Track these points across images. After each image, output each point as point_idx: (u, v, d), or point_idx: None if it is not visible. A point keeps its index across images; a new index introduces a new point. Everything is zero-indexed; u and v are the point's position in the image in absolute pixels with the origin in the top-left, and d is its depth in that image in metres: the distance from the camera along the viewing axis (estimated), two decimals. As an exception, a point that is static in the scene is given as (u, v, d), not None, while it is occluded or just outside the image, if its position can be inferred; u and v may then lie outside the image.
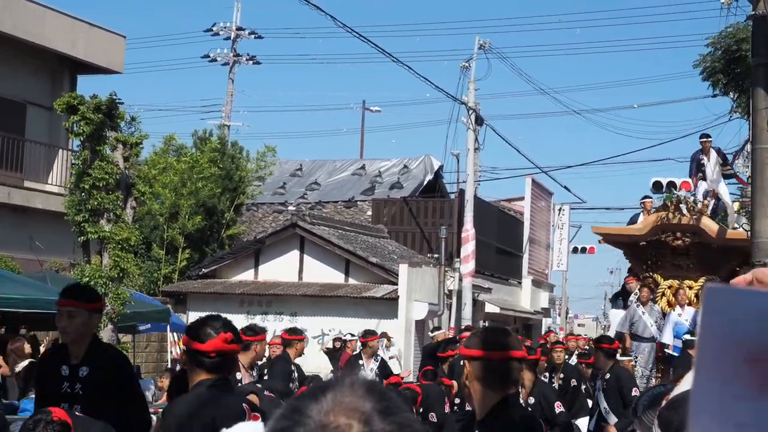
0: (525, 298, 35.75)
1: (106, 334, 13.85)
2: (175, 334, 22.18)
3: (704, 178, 18.60)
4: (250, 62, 40.82)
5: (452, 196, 32.83)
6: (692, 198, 17.79)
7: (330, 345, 22.36)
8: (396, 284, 24.88)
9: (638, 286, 17.95)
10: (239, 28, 40.31)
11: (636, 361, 16.69)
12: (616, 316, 18.73)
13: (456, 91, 28.86)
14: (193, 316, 24.78)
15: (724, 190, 19.20)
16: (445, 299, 27.49)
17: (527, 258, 36.38)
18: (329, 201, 35.02)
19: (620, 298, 19.59)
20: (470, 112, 28.99)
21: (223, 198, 29.55)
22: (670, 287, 17.77)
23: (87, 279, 14.45)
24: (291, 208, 33.13)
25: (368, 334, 15.56)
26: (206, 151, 30.02)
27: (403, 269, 25.04)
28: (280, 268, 26.36)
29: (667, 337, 16.85)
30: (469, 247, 27.38)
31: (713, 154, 18.62)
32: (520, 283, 35.88)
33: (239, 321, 23.91)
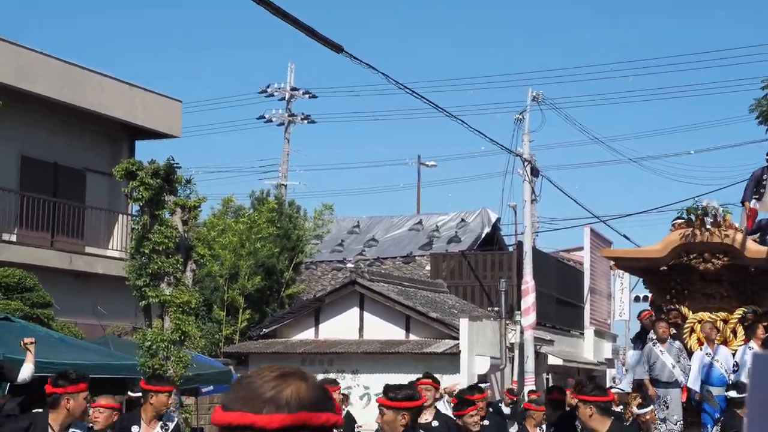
0: (588, 348, 35.36)
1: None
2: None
3: (759, 199, 15.85)
4: (305, 121, 41.12)
5: (510, 249, 32.69)
6: (719, 209, 14.67)
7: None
8: (457, 339, 24.74)
9: (653, 321, 15.20)
10: (293, 89, 40.67)
11: (664, 412, 14.11)
12: (633, 359, 15.96)
13: (511, 143, 28.86)
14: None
15: None
16: (507, 353, 27.28)
17: (589, 308, 36.03)
18: (387, 257, 35.00)
19: (640, 340, 16.31)
20: (525, 163, 28.94)
21: (281, 257, 29.66)
22: (700, 321, 14.74)
23: (149, 343, 14.54)
24: (350, 265, 33.16)
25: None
26: (264, 211, 30.20)
27: (463, 324, 24.91)
28: (341, 326, 26.33)
29: (695, 382, 14.18)
30: (529, 299, 27.20)
31: None
32: (582, 333, 35.52)
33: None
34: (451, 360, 24.47)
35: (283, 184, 39.10)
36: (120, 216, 25.38)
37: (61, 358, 15.22)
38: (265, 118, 40.95)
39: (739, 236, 14.51)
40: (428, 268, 32.84)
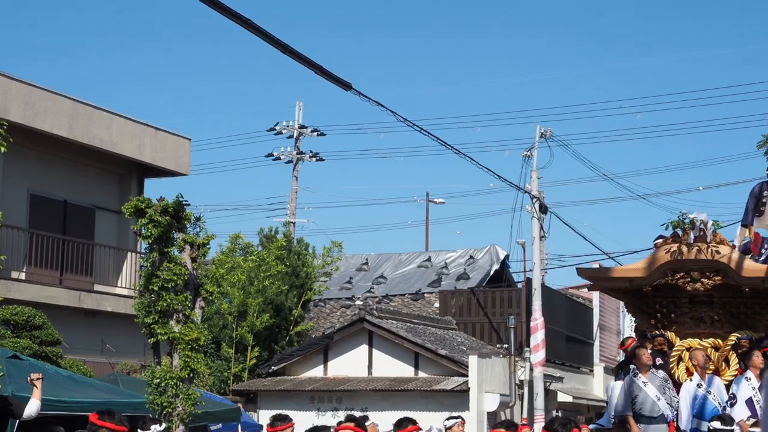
0: (598, 385, 35.20)
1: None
2: (245, 433, 22.10)
3: (759, 216, 14.47)
4: (314, 159, 41.19)
5: (519, 285, 32.64)
6: (709, 223, 13.12)
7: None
8: (466, 376, 24.67)
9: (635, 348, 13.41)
10: (301, 126, 40.78)
11: None
12: (615, 391, 13.72)
13: (519, 180, 28.89)
14: (263, 414, 24.74)
15: None
16: (517, 390, 27.17)
17: (598, 345, 35.92)
18: (396, 294, 34.96)
19: (623, 371, 14.02)
20: (534, 200, 28.95)
21: (290, 295, 29.64)
22: (689, 349, 13.18)
23: (158, 380, 14.51)
24: (358, 302, 33.11)
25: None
26: (273, 249, 30.21)
27: (472, 361, 24.83)
28: (350, 363, 26.28)
29: (684, 419, 12.69)
30: (538, 336, 27.13)
31: None
32: (591, 370, 35.38)
33: (309, 418, 23.93)
34: (460, 397, 24.40)
35: (291, 222, 39.12)
36: (129, 253, 25.42)
37: (70, 395, 15.20)
38: (273, 155, 41.03)
39: (733, 253, 13.05)
40: (437, 305, 32.79)
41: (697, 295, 13.19)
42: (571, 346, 33.28)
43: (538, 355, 27.10)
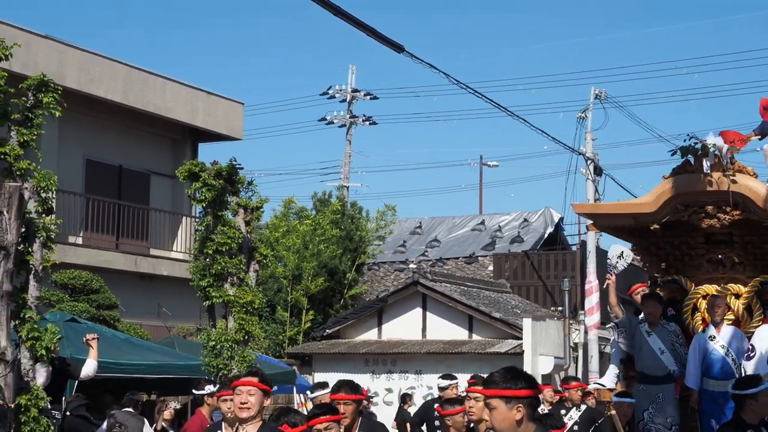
0: (653, 349, 35.00)
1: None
2: (301, 395, 22.26)
3: None
4: (367, 123, 41.17)
5: (574, 248, 32.48)
6: (725, 148, 11.04)
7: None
8: (520, 339, 24.63)
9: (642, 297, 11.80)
10: (354, 90, 40.74)
11: (647, 410, 10.97)
12: (618, 347, 12.08)
13: (573, 142, 28.68)
14: (318, 377, 24.90)
15: None
16: (571, 352, 27.09)
17: (654, 308, 35.66)
18: (450, 257, 34.94)
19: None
20: (589, 162, 28.74)
21: (344, 259, 29.72)
22: (705, 296, 11.31)
23: (213, 343, 14.62)
24: (412, 266, 33.15)
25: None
26: (327, 213, 30.29)
27: (527, 324, 24.78)
28: (404, 327, 26.33)
29: (692, 377, 10.81)
30: (593, 299, 26.99)
31: None
32: (647, 333, 35.17)
33: (364, 380, 24.05)
34: (514, 360, 24.35)
35: (345, 186, 39.18)
36: (183, 218, 25.60)
37: (127, 358, 15.40)
38: (326, 120, 41.08)
39: (754, 183, 10.99)
40: (491, 268, 32.73)
41: (714, 233, 11.26)
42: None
43: (592, 318, 26.96)
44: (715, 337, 10.79)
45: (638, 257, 12.56)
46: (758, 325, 10.99)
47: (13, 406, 10.57)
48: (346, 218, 30.93)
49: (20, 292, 11.32)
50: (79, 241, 22.89)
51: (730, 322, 11.00)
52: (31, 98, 11.59)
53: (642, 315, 11.52)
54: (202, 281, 14.84)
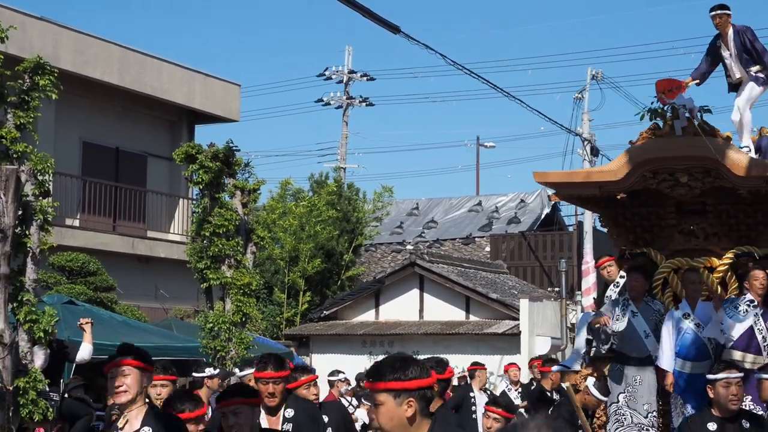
0: (650, 329, 35.07)
1: (232, 379, 14.02)
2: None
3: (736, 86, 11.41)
4: (364, 104, 41.11)
5: (570, 229, 32.51)
6: (696, 109, 10.28)
7: (455, 382, 22.26)
8: (517, 320, 24.68)
9: (610, 269, 10.99)
10: (351, 71, 40.67)
11: (622, 395, 10.04)
12: (585, 323, 11.18)
13: (570, 122, 28.75)
14: (316, 359, 24.95)
15: (744, 100, 11.30)
16: (568, 333, 27.14)
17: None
18: (447, 239, 34.97)
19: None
20: (585, 143, 28.74)
21: (341, 240, 29.74)
22: (677, 270, 10.48)
23: (210, 325, 14.66)
24: (409, 247, 33.17)
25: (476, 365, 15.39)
26: (323, 194, 30.29)
27: (523, 304, 24.82)
28: (401, 308, 26.37)
29: (666, 359, 9.89)
30: (590, 280, 27.01)
31: (732, 36, 11.21)
32: (644, 314, 35.21)
33: (362, 362, 24.08)
34: (511, 341, 24.42)
35: (341, 167, 39.16)
36: (180, 200, 25.59)
37: (125, 340, 15.40)
38: (323, 101, 41.01)
39: (727, 147, 10.22)
40: (488, 249, 32.76)
41: (686, 202, 10.55)
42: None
43: (589, 298, 26.97)
44: (689, 315, 9.92)
45: (605, 227, 11.70)
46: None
47: (11, 388, 10.60)
48: (343, 200, 30.92)
49: (18, 275, 11.34)
50: (76, 223, 22.88)
51: (704, 297, 10.14)
52: (28, 81, 11.60)
53: (610, 289, 10.81)
54: (199, 263, 14.89)
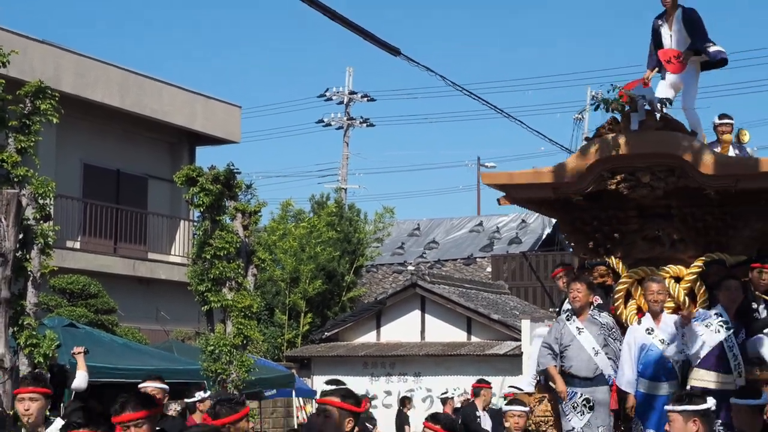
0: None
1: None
2: (300, 398, 22.26)
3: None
4: (364, 125, 41.21)
5: (571, 249, 32.48)
6: (656, 99, 9.42)
7: (459, 404, 22.20)
8: (519, 341, 24.61)
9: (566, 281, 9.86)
10: (352, 92, 40.77)
11: (581, 418, 9.13)
12: (536, 343, 10.22)
13: (570, 143, 28.76)
14: (317, 380, 24.88)
15: (692, 99, 10.18)
16: (570, 354, 27.11)
17: (652, 308, 35.69)
18: (448, 259, 34.97)
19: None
20: (586, 163, 28.76)
21: (342, 261, 29.72)
22: (641, 280, 9.47)
23: (212, 348, 14.63)
24: (410, 267, 33.15)
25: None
26: (323, 215, 30.29)
27: (525, 325, 24.75)
28: (402, 329, 26.33)
29: (626, 378, 9.06)
30: (591, 300, 27.00)
31: (677, 16, 10.13)
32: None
33: (363, 383, 24.03)
34: (513, 361, 24.35)
35: (342, 188, 39.20)
36: (181, 222, 25.58)
37: (125, 363, 15.37)
38: (324, 122, 41.12)
39: (690, 142, 9.27)
40: (489, 269, 32.73)
41: (649, 205, 9.57)
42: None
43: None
44: (653, 330, 8.98)
45: (562, 233, 10.74)
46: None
47: (11, 413, 10.56)
48: (344, 220, 30.92)
49: (18, 298, 11.33)
50: (77, 245, 22.87)
51: (671, 310, 9.22)
52: (29, 105, 11.62)
53: (566, 304, 9.60)
54: (200, 286, 14.86)
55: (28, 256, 11.42)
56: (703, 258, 9.47)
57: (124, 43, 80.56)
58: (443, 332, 25.85)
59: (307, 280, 28.26)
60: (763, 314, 9.24)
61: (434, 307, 26.03)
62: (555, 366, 9.25)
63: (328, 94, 40.89)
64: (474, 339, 25.58)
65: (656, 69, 10.14)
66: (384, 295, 27.96)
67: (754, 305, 9.23)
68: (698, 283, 9.45)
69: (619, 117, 9.54)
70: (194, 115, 25.47)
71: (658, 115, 9.40)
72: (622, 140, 9.34)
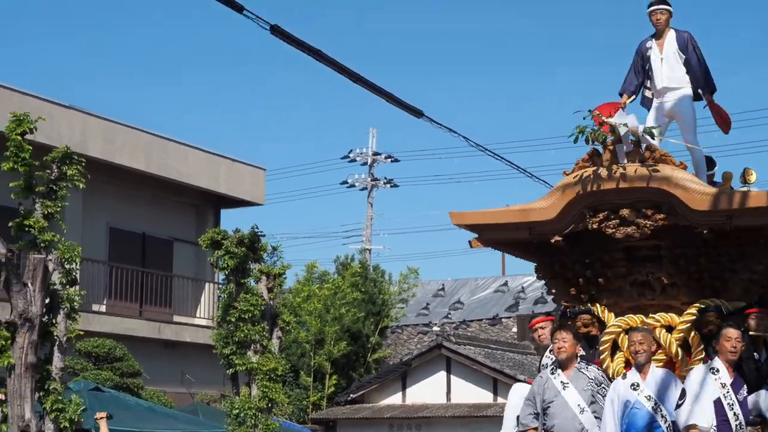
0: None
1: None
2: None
3: (656, 97, 9.46)
4: (388, 185, 41.33)
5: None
6: (640, 128, 8.48)
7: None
8: (546, 401, 24.46)
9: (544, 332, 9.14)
10: (375, 153, 40.94)
11: None
12: (512, 397, 9.23)
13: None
14: (343, 443, 24.77)
15: (678, 107, 9.37)
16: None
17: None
18: (473, 320, 34.85)
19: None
20: (611, 222, 28.70)
21: (367, 322, 29.67)
22: (628, 330, 8.58)
23: (237, 411, 14.59)
24: (435, 328, 33.04)
25: None
26: (347, 276, 30.30)
27: (552, 386, 24.62)
28: (428, 390, 26.20)
29: None
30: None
31: (670, 38, 9.41)
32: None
33: (389, 446, 23.84)
34: (540, 423, 24.18)
35: (367, 249, 39.23)
36: (207, 284, 25.64)
37: (151, 427, 15.37)
38: (348, 183, 41.26)
39: (679, 174, 8.31)
40: (515, 330, 32.58)
41: (636, 247, 8.65)
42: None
43: (618, 379, 26.81)
44: (638, 386, 8.15)
45: (541, 278, 9.49)
46: (697, 365, 8.44)
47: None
48: (368, 281, 30.91)
49: (44, 363, 11.36)
50: (103, 308, 22.95)
51: (661, 363, 8.44)
52: (55, 171, 11.72)
53: (545, 359, 8.86)
54: (225, 349, 14.86)
55: (54, 321, 11.47)
56: (698, 305, 8.54)
57: (149, 108, 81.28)
58: (469, 393, 25.71)
59: (332, 342, 28.21)
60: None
61: (460, 368, 25.91)
62: (536, 428, 8.43)
63: (351, 155, 41.08)
64: (500, 400, 25.39)
65: (633, 96, 9.49)
66: (409, 356, 27.86)
67: (756, 356, 8.46)
68: (692, 333, 8.58)
69: (600, 148, 8.62)
70: (219, 178, 25.64)
71: (643, 146, 8.54)
72: (603, 174, 8.45)
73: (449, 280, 38.82)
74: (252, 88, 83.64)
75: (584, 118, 8.44)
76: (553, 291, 9.33)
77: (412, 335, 34.74)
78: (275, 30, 9.36)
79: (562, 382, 8.35)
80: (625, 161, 8.43)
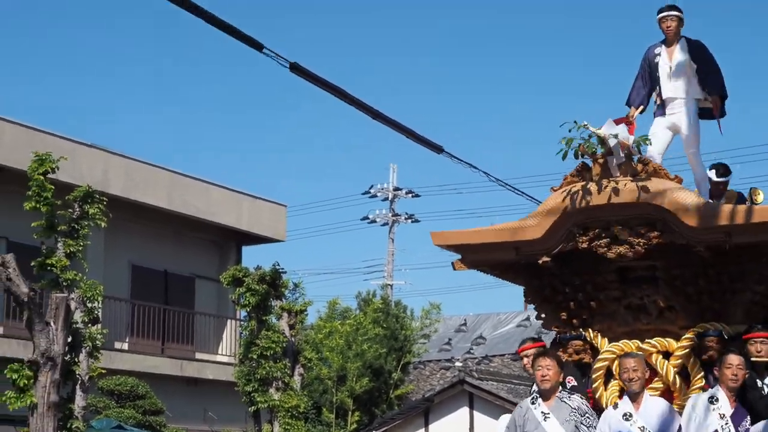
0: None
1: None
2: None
3: (662, 107, 9.02)
4: (409, 221, 41.28)
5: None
6: (631, 140, 7.93)
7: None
8: (569, 436, 24.31)
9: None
10: (396, 189, 40.95)
11: None
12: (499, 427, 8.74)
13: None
14: (366, 480, 24.64)
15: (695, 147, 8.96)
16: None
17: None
18: (496, 355, 34.69)
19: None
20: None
21: (389, 358, 29.58)
22: (621, 356, 8.00)
23: (259, 448, 14.58)
24: (458, 364, 32.90)
25: None
26: (369, 312, 30.24)
27: (575, 421, 24.47)
28: (451, 426, 26.05)
29: None
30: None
31: (681, 47, 8.95)
32: None
33: (412, 483, 23.69)
34: (564, 459, 24.01)
35: (389, 284, 39.16)
36: (229, 320, 25.64)
37: (173, 465, 15.34)
38: (369, 218, 41.25)
39: (674, 190, 7.78)
40: (538, 364, 32.43)
41: (631, 267, 8.09)
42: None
43: (642, 414, 26.61)
44: (631, 416, 7.65)
45: (530, 302, 8.84)
46: (695, 393, 7.93)
47: None
48: (390, 317, 30.83)
49: (67, 402, 11.39)
50: (125, 346, 22.97)
51: (657, 392, 7.94)
52: (77, 210, 11.80)
53: (536, 386, 8.13)
54: (247, 386, 14.88)
55: (76, 360, 11.51)
56: (696, 329, 8.00)
57: (169, 145, 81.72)
58: (492, 429, 25.50)
59: (354, 378, 28.13)
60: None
61: (483, 403, 25.77)
62: None
63: (372, 191, 41.10)
64: (524, 436, 25.27)
65: (642, 107, 9.05)
66: (432, 392, 27.74)
67: (759, 383, 7.77)
68: (691, 359, 8.04)
69: (590, 162, 8.06)
70: (240, 215, 25.70)
71: (635, 158, 7.98)
72: (593, 189, 7.86)
73: (471, 315, 38.69)
74: (273, 125, 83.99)
75: (570, 131, 7.86)
76: (543, 316, 8.73)
77: (435, 371, 34.60)
78: (294, 68, 9.40)
79: (543, 412, 7.76)
80: (617, 175, 7.92)
